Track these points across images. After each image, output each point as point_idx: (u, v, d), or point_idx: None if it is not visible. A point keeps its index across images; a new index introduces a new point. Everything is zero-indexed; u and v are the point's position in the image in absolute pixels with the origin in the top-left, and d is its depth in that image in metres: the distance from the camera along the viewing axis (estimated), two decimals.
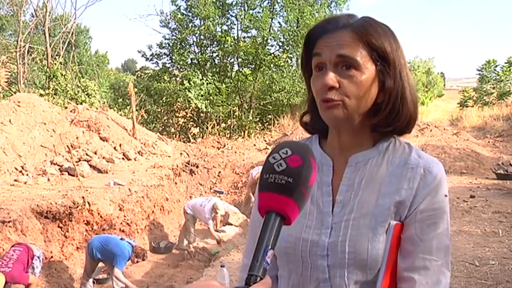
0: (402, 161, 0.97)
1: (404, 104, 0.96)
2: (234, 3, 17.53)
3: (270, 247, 0.71)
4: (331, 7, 18.45)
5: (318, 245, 0.96)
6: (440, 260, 0.93)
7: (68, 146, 8.88)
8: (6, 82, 20.75)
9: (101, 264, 6.30)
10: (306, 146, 0.77)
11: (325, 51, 0.93)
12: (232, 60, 18.36)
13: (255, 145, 13.09)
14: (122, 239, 6.16)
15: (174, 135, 16.47)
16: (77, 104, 12.25)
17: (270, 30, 17.15)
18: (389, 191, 0.95)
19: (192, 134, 17.15)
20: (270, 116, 17.67)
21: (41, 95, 12.98)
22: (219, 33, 17.28)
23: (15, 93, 13.75)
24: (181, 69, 18.32)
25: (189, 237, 7.85)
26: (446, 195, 0.96)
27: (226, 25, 17.76)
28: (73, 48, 19.03)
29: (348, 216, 0.96)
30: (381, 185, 0.96)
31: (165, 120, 17.83)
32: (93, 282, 6.30)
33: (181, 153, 11.55)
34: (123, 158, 9.95)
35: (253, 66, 17.76)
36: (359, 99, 0.92)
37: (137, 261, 6.03)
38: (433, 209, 0.94)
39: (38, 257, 5.37)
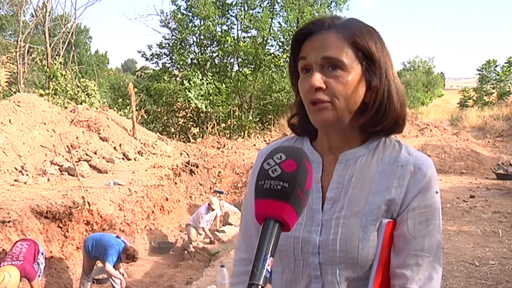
0: (392, 159, 0.97)
1: (391, 103, 0.97)
2: (234, 3, 17.54)
3: (269, 255, 0.70)
4: (331, 7, 18.45)
5: (309, 243, 0.96)
6: (432, 256, 0.94)
7: (67, 146, 8.87)
8: (6, 82, 20.79)
9: (101, 264, 6.30)
10: (301, 150, 0.77)
11: (311, 54, 0.93)
12: (232, 60, 18.37)
13: (255, 145, 13.08)
14: (117, 236, 6.16)
15: (174, 135, 16.47)
16: (77, 104, 12.25)
17: (270, 30, 17.14)
18: (380, 188, 0.95)
19: (192, 134, 17.14)
20: (270, 116, 17.66)
21: (41, 95, 12.98)
22: (219, 33, 17.28)
23: (15, 93, 13.75)
24: (181, 69, 18.32)
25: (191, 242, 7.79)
26: (437, 192, 0.96)
27: (226, 25, 17.77)
28: (73, 48, 19.02)
29: (338, 213, 0.95)
30: (371, 183, 0.96)
31: (165, 120, 17.83)
32: (93, 282, 6.30)
33: (181, 153, 11.54)
34: (123, 158, 9.94)
35: (253, 66, 17.75)
36: (347, 99, 0.93)
37: (127, 262, 6.01)
38: (425, 206, 0.94)
39: (42, 253, 5.43)
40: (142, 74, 19.96)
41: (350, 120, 0.97)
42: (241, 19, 16.99)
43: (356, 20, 0.97)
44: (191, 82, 15.62)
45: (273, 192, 0.72)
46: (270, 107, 17.62)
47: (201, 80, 15.93)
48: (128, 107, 15.05)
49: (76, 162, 8.36)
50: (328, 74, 0.92)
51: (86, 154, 9.21)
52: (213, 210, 7.82)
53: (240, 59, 17.96)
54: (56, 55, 17.08)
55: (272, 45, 18.13)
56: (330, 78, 0.92)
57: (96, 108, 12.72)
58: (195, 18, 17.33)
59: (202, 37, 17.57)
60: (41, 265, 5.35)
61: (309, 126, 1.01)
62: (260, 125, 17.99)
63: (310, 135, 1.06)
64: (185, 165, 10.38)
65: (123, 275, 6.02)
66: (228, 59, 18.30)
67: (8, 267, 4.82)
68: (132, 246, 6.21)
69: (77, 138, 9.73)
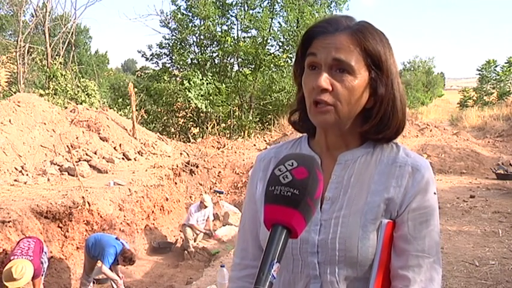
0: (390, 160, 0.99)
1: (395, 113, 0.98)
2: (234, 3, 17.55)
3: (276, 260, 0.70)
4: (331, 7, 18.46)
5: (308, 242, 0.96)
6: (432, 257, 0.95)
7: (67, 146, 8.87)
8: (6, 82, 20.79)
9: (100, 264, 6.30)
10: (312, 158, 0.78)
11: (321, 52, 0.93)
12: (232, 60, 18.37)
13: (255, 145, 13.08)
14: (117, 238, 6.15)
15: (174, 135, 16.47)
16: (77, 104, 12.25)
17: (270, 30, 17.15)
18: (378, 188, 0.96)
19: (192, 134, 17.15)
20: (270, 116, 17.67)
21: (41, 95, 12.97)
22: (219, 33, 17.28)
23: (15, 93, 13.74)
24: (181, 69, 18.33)
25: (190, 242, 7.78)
26: (435, 193, 0.97)
27: (226, 25, 17.78)
28: (73, 48, 19.01)
29: (337, 213, 0.96)
30: (370, 183, 0.97)
31: (165, 120, 17.83)
32: (93, 282, 6.30)
33: (181, 153, 11.54)
34: (123, 158, 9.94)
35: (253, 66, 17.76)
36: (350, 104, 0.93)
37: (124, 265, 6.00)
38: (425, 207, 0.95)
39: (45, 253, 5.41)
40: (142, 74, 19.96)
41: (350, 125, 0.98)
42: (241, 19, 16.99)
43: (369, 24, 0.97)
44: (191, 82, 15.63)
45: (283, 199, 0.73)
46: (270, 107, 17.63)
47: (201, 80, 15.93)
48: (128, 107, 15.05)
49: (76, 162, 8.36)
50: (335, 76, 0.92)
51: (86, 154, 9.21)
52: (205, 207, 7.77)
53: (240, 59, 17.97)
54: (56, 55, 17.08)
55: (272, 45, 18.16)
56: (336, 81, 0.92)
57: (96, 108, 12.71)
58: (195, 18, 17.34)
59: (202, 37, 17.58)
60: (45, 264, 5.34)
61: (309, 123, 1.01)
62: (260, 125, 18.00)
63: (309, 132, 1.08)
64: (185, 165, 10.38)
65: (119, 275, 6.02)
66: (228, 59, 18.31)
67: (21, 260, 4.79)
68: (130, 249, 6.19)
69: (77, 138, 9.72)
